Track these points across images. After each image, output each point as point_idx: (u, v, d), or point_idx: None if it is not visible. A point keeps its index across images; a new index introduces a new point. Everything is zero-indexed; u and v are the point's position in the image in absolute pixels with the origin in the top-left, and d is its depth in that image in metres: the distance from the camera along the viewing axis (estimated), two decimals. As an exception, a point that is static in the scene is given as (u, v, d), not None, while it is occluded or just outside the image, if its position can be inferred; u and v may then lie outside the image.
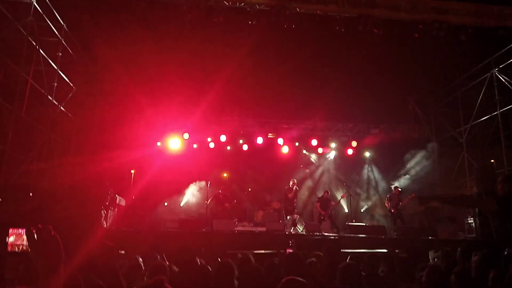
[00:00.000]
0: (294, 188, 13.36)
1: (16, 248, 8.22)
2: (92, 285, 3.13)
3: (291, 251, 4.49)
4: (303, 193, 17.68)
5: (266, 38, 13.24)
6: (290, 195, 13.28)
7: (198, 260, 4.83)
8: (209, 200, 13.38)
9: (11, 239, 8.33)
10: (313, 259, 4.89)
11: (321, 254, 5.48)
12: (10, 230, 8.44)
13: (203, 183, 15.24)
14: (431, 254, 5.97)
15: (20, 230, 8.44)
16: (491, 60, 14.11)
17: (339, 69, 14.84)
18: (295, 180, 13.82)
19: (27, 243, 1.48)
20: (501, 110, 13.99)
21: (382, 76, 14.52)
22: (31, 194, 11.90)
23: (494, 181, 12.22)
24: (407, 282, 3.86)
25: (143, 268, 4.20)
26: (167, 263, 5.23)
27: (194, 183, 15.67)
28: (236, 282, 3.51)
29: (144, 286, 2.17)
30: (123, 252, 6.73)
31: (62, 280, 1.43)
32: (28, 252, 1.47)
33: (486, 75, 14.46)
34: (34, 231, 1.46)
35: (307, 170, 18.98)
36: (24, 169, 11.23)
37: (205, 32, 12.79)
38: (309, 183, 18.42)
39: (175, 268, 4.12)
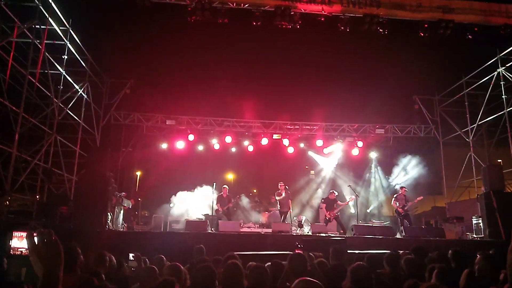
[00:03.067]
0: (282, 189, 13.30)
1: (18, 252, 8.15)
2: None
3: (300, 252, 4.46)
4: (307, 195, 17.66)
5: (271, 39, 13.25)
6: (279, 197, 13.24)
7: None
8: (214, 202, 13.37)
9: (13, 242, 8.28)
10: (321, 259, 4.86)
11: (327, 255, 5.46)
12: (14, 233, 8.38)
13: (207, 187, 15.21)
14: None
15: (22, 233, 8.35)
16: (498, 59, 14.01)
17: (344, 69, 14.83)
18: (282, 182, 13.69)
19: (27, 247, 1.46)
20: (508, 109, 13.88)
21: (388, 75, 14.47)
22: (37, 197, 12.02)
23: (502, 181, 12.12)
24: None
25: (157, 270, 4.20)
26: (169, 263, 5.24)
27: (200, 187, 15.61)
28: (245, 282, 3.49)
29: (156, 286, 2.17)
30: (132, 255, 6.71)
31: (61, 285, 1.41)
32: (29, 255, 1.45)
33: (493, 74, 14.35)
34: (35, 234, 1.45)
35: (312, 171, 18.92)
36: (32, 169, 11.32)
37: (209, 33, 12.82)
38: (314, 184, 18.37)
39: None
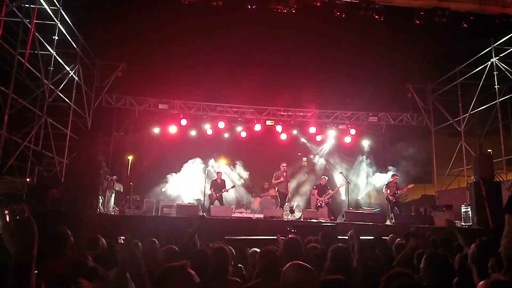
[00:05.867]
0: (284, 170, 13.25)
1: None
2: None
3: (294, 236, 4.48)
4: (300, 180, 17.72)
5: (265, 24, 13.09)
6: (281, 179, 13.14)
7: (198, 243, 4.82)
8: (207, 187, 13.38)
9: None
10: (313, 244, 4.90)
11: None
12: None
13: (199, 172, 15.20)
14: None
15: None
16: (492, 48, 14.01)
17: (338, 56, 14.73)
18: (285, 164, 13.56)
19: None
20: (500, 99, 13.96)
21: (382, 63, 14.43)
22: (28, 179, 11.91)
23: (492, 170, 12.26)
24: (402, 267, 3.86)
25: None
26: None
27: (191, 172, 15.56)
28: (230, 268, 3.50)
29: (169, 268, 2.12)
30: (123, 238, 6.68)
31: (35, 264, 1.38)
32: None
33: (486, 63, 14.38)
34: (6, 212, 1.41)
35: (305, 158, 18.98)
36: (22, 152, 11.18)
37: (203, 17, 12.64)
38: (306, 170, 18.44)
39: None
